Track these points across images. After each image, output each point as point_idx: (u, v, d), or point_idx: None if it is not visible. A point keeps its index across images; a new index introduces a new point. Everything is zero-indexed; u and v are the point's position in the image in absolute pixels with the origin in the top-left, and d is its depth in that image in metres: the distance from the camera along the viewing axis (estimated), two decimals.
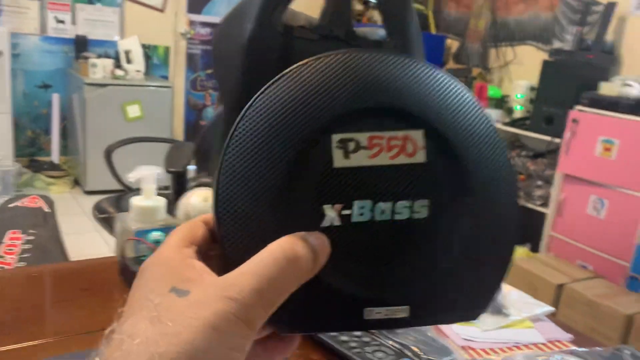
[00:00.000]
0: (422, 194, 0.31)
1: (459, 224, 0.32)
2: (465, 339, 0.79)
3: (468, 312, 0.33)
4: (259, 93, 0.31)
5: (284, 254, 0.28)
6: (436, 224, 0.32)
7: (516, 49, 3.20)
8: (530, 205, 2.78)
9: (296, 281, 0.29)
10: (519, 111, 2.95)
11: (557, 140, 2.64)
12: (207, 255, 0.31)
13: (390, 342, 0.74)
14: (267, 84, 0.31)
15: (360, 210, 0.31)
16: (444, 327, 0.81)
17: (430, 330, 0.79)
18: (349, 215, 0.31)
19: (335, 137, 0.31)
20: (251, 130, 0.31)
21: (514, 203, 0.33)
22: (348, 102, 0.31)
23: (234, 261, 0.30)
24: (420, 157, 0.31)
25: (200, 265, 0.29)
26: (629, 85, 2.42)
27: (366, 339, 0.74)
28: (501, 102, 3.04)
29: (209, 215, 0.32)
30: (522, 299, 0.91)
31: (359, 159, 0.31)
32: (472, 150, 0.32)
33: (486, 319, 0.85)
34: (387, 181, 0.31)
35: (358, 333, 0.76)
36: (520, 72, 3.17)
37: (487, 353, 0.76)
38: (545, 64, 2.74)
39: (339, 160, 0.31)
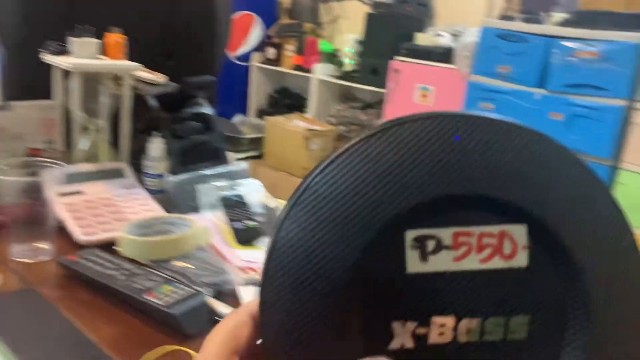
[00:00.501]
0: (521, 309, 0.25)
1: (568, 350, 0.25)
2: (246, 261, 0.79)
3: None
4: (314, 174, 0.25)
5: None
6: (538, 348, 0.25)
7: (344, 3, 3.28)
8: None
9: None
10: (349, 64, 3.05)
11: (382, 90, 2.78)
12: (254, 353, 0.27)
13: (163, 271, 0.72)
14: (325, 163, 0.25)
15: (439, 330, 0.24)
16: (225, 251, 0.81)
17: (211, 258, 0.78)
18: (425, 335, 0.25)
19: (410, 234, 0.24)
20: (303, 225, 0.24)
21: None
22: (427, 189, 0.24)
23: None
24: (521, 260, 0.25)
25: None
26: (441, 35, 2.60)
27: (136, 271, 0.71)
28: (332, 56, 3.12)
29: (255, 305, 0.26)
30: None
31: (441, 263, 0.24)
32: (592, 254, 0.25)
33: None
34: (475, 291, 0.24)
35: (128, 265, 0.73)
36: (349, 26, 3.27)
37: None
38: (369, 16, 2.85)
39: (414, 264, 0.24)
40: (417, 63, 2.59)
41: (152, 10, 1.28)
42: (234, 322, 0.27)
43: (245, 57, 3.45)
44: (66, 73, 0.97)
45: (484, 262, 0.24)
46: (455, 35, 2.57)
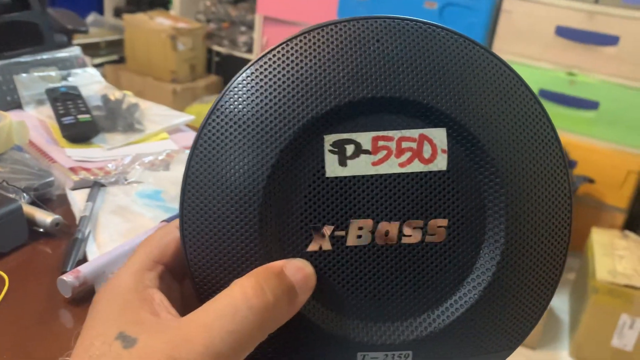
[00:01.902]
0: (440, 212, 0.25)
1: (485, 252, 0.25)
2: (78, 161, 0.65)
3: (490, 355, 0.26)
4: (234, 80, 0.24)
5: (246, 303, 0.22)
6: (455, 250, 0.25)
7: None
8: (236, 53, 2.73)
9: (264, 332, 0.23)
10: None
11: None
12: (184, 273, 0.26)
13: None
14: (245, 67, 0.25)
15: (357, 232, 0.25)
16: (53, 153, 0.66)
17: (32, 159, 0.63)
18: (343, 238, 0.25)
19: (328, 139, 0.24)
20: (222, 129, 0.24)
21: (565, 233, 0.26)
22: (344, 92, 0.23)
23: (203, 291, 0.25)
24: (440, 164, 0.25)
25: (160, 299, 0.24)
26: None
27: None
28: None
29: None
30: (163, 112, 0.81)
31: (359, 167, 0.24)
32: (513, 158, 0.24)
33: (114, 138, 0.72)
34: (394, 195, 0.24)
35: None
36: None
37: (104, 170, 0.63)
38: None
39: (332, 168, 0.24)
40: None
41: None
42: (161, 232, 0.27)
43: None
44: None
45: (403, 166, 0.24)
46: None
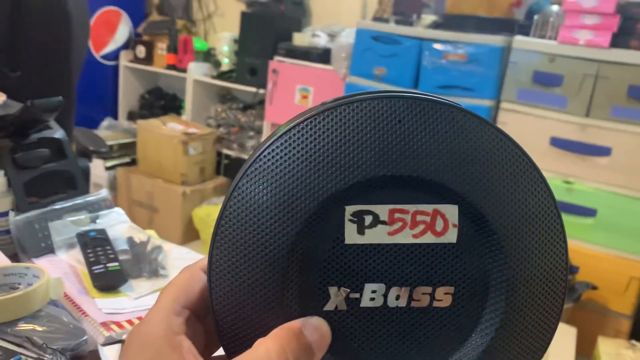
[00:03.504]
0: (447, 280, 0.27)
1: (486, 318, 0.27)
2: (108, 313, 0.69)
3: None
4: (264, 147, 0.27)
5: None
6: (459, 314, 0.28)
7: (217, 0, 3.17)
8: (244, 156, 2.84)
9: None
10: (225, 64, 2.95)
11: (261, 91, 2.71)
12: (205, 313, 0.29)
13: (6, 338, 0.61)
14: (274, 137, 0.27)
15: (371, 295, 0.27)
16: (85, 305, 0.71)
17: (66, 314, 0.68)
18: (357, 299, 0.27)
19: (349, 209, 0.26)
20: (251, 195, 0.26)
21: (558, 309, 0.28)
22: (367, 168, 0.26)
23: (227, 340, 0.28)
24: (450, 237, 0.27)
25: (188, 346, 0.26)
26: (317, 35, 2.59)
27: None
28: (208, 55, 2.99)
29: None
30: (184, 255, 0.86)
31: (376, 236, 0.26)
32: (518, 237, 0.27)
33: (140, 285, 0.77)
34: (406, 263, 0.27)
35: None
36: (223, 24, 3.16)
37: (132, 323, 0.68)
38: (244, 15, 2.76)
39: (351, 236, 0.26)
40: (296, 64, 2.56)
41: None
42: (186, 276, 0.28)
43: (113, 56, 3.21)
44: None
45: (416, 237, 0.26)
46: (331, 36, 2.57)
